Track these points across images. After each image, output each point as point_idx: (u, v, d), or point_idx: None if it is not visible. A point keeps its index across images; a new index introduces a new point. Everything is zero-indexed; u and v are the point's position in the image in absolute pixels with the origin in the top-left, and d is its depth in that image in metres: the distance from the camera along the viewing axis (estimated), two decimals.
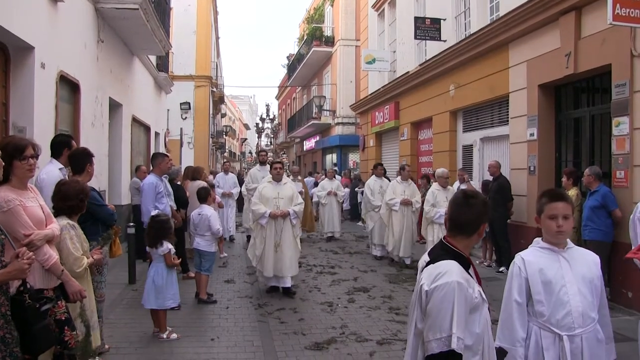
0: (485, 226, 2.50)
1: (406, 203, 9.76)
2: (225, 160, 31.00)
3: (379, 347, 5.36)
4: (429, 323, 2.27)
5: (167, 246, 5.52)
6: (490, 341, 2.43)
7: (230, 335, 5.69)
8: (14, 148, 3.28)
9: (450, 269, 2.31)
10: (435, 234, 8.59)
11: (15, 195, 3.21)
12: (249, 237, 10.99)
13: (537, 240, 2.88)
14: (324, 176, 19.91)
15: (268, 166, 9.24)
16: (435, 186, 8.97)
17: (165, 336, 5.46)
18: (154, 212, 6.37)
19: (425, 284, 2.33)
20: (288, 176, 10.30)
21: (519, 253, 2.87)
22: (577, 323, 2.67)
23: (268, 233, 7.34)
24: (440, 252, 2.44)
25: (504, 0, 9.82)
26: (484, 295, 2.39)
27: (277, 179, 7.65)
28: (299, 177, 13.30)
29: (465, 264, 2.39)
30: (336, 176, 16.79)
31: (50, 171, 4.65)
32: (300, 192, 9.26)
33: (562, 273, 2.73)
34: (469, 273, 2.38)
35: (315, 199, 14.20)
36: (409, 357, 2.45)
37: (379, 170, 11.28)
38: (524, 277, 2.75)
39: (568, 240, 2.82)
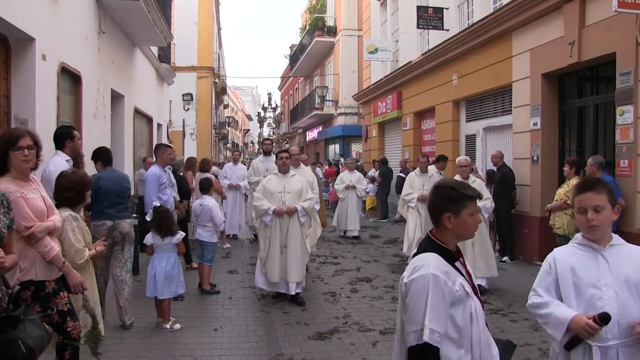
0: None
1: (424, 200, 8.36)
2: (234, 149, 30.80)
3: (381, 336, 5.37)
4: (407, 315, 2.23)
5: (181, 234, 5.67)
6: (483, 336, 2.27)
7: (234, 325, 5.71)
8: (7, 138, 3.28)
9: (427, 261, 2.23)
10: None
11: (16, 187, 3.20)
12: (255, 236, 10.19)
13: (578, 235, 2.58)
14: (327, 167, 19.98)
15: (273, 157, 8.54)
16: (457, 177, 7.62)
17: (168, 326, 5.49)
18: (156, 204, 6.38)
19: (405, 276, 2.28)
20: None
21: (554, 250, 2.63)
22: (611, 333, 2.32)
23: (273, 233, 6.50)
24: (424, 245, 2.36)
25: None
26: (467, 289, 2.26)
27: (283, 170, 6.76)
28: (303, 166, 10.06)
29: (449, 256, 2.29)
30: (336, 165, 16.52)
31: (58, 163, 4.69)
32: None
33: (598, 274, 2.41)
34: (454, 266, 2.28)
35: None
36: (397, 350, 2.40)
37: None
38: (553, 277, 2.50)
39: (615, 236, 2.50)
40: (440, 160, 10.67)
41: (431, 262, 2.23)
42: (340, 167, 20.35)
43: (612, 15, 6.72)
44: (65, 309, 3.43)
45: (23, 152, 3.28)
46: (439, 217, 2.32)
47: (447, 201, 2.31)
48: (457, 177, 7.29)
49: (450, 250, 2.32)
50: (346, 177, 12.67)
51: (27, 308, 2.86)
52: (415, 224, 8.55)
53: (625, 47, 6.79)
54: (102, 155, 5.84)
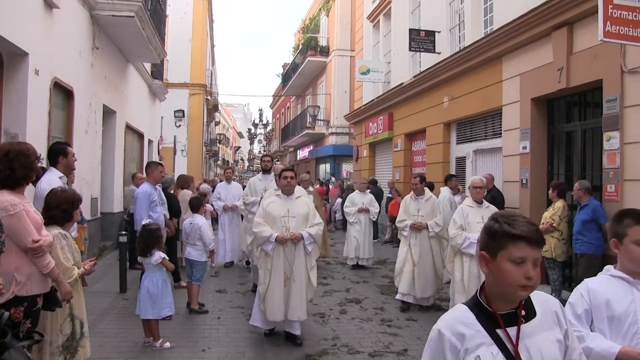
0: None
1: (418, 227, 7.42)
2: (227, 167, 30.55)
3: (370, 359, 5.34)
4: None
5: (160, 255, 5.51)
6: None
7: (222, 346, 5.66)
8: (35, 154, 3.45)
9: (446, 315, 1.83)
10: (466, 270, 6.10)
11: (19, 199, 3.26)
12: (247, 262, 9.63)
13: (609, 267, 2.45)
14: (317, 186, 20.00)
15: (272, 175, 7.73)
16: (467, 201, 6.58)
17: (158, 345, 5.44)
18: (145, 221, 6.36)
19: None
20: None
21: (586, 280, 2.43)
22: None
23: (275, 263, 5.66)
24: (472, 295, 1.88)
25: (498, 13, 9.92)
26: None
27: (287, 191, 5.91)
28: (311, 189, 10.51)
29: (488, 317, 1.74)
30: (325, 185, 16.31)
31: (51, 180, 4.69)
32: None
33: (635, 308, 2.26)
34: (492, 332, 1.71)
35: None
36: None
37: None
38: (586, 308, 2.32)
39: None
40: (450, 180, 9.97)
41: (448, 316, 1.80)
42: (330, 186, 20.40)
43: (599, 44, 6.83)
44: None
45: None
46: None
47: (485, 236, 1.79)
48: (468, 201, 6.54)
49: (489, 310, 1.74)
50: (358, 198, 11.21)
51: (12, 336, 2.84)
52: (405, 255, 7.50)
53: (612, 75, 6.91)
54: None
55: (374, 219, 11.10)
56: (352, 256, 10.76)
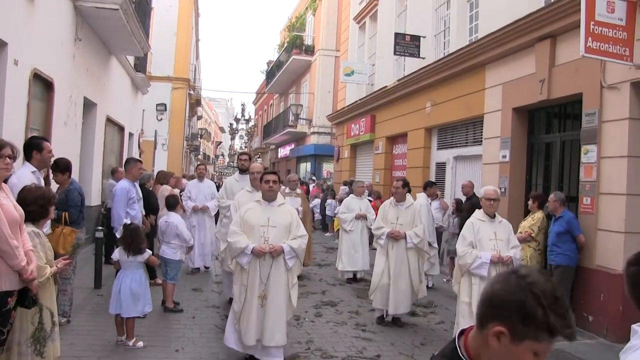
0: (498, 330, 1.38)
1: (396, 236, 6.78)
2: (199, 162, 29.63)
3: None
4: None
5: (148, 252, 5.60)
6: None
7: (196, 346, 5.63)
8: None
9: None
10: (475, 294, 5.22)
11: None
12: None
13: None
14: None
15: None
16: (478, 215, 5.68)
17: (131, 344, 5.38)
18: (127, 220, 6.33)
19: None
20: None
21: (634, 326, 1.83)
22: None
23: (250, 279, 4.96)
24: (444, 351, 1.55)
25: (483, 22, 10.00)
26: None
27: (268, 197, 5.16)
28: (298, 190, 9.82)
29: None
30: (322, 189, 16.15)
31: (22, 175, 4.63)
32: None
33: None
34: None
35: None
36: None
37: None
38: None
39: None
40: (429, 187, 9.80)
41: None
42: (310, 186, 20.37)
43: (581, 58, 6.92)
44: None
45: (4, 160, 3.37)
46: (484, 322, 1.42)
47: (511, 310, 1.36)
48: (479, 214, 5.66)
49: None
50: (354, 204, 9.96)
51: None
52: (383, 267, 6.83)
53: (591, 89, 7.02)
54: (70, 167, 5.80)
55: (371, 226, 9.42)
56: (348, 269, 9.68)
